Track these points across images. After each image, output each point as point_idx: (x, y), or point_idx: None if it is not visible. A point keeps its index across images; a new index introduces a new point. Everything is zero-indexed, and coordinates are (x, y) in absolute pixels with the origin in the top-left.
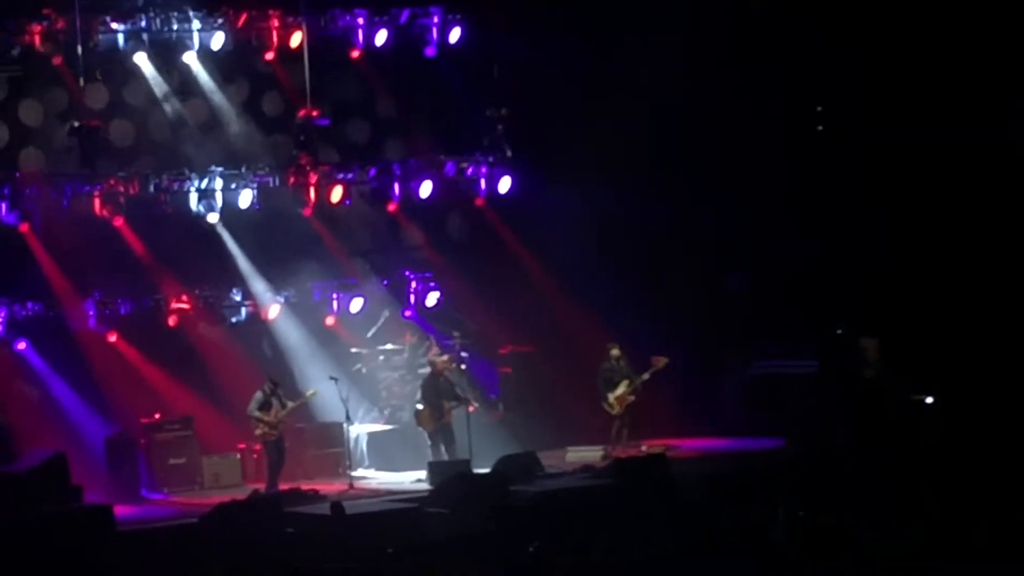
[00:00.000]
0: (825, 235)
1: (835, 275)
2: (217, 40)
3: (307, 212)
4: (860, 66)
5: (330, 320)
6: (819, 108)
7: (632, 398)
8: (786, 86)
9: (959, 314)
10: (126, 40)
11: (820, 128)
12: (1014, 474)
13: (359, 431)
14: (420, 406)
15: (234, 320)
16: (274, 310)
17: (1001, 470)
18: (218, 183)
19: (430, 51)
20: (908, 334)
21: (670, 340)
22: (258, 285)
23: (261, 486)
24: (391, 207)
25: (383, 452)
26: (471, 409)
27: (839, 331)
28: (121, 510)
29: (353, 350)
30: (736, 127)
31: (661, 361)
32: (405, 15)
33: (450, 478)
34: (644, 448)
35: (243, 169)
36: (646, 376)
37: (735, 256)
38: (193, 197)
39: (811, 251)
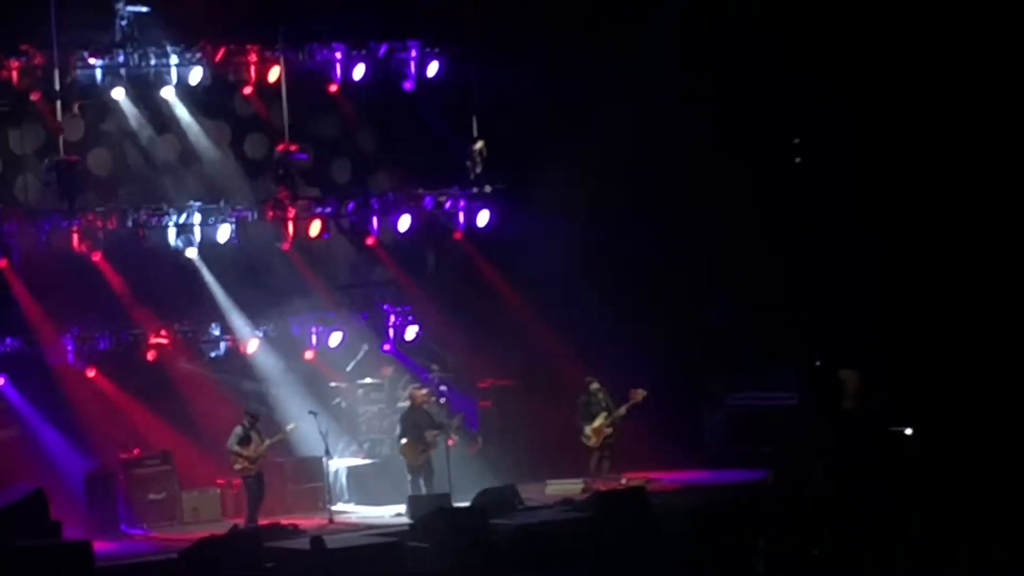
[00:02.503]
0: (805, 266)
1: (815, 306)
2: (195, 75)
3: (285, 246)
4: (842, 95)
5: (309, 354)
6: (796, 140)
7: (610, 430)
8: (765, 114)
9: (939, 345)
10: (104, 75)
11: (798, 160)
12: (995, 502)
13: (339, 465)
14: (403, 440)
15: (213, 355)
16: (253, 344)
17: (982, 498)
18: (196, 218)
19: (408, 85)
20: (888, 366)
21: (651, 371)
22: (237, 319)
23: (241, 521)
24: (369, 241)
25: (363, 486)
26: (450, 443)
27: (818, 363)
28: (100, 546)
29: (332, 384)
30: (716, 155)
31: (639, 394)
32: (383, 49)
33: (430, 512)
34: (624, 481)
35: (221, 203)
36: (623, 411)
37: (716, 286)
38: (171, 232)
39: (791, 281)
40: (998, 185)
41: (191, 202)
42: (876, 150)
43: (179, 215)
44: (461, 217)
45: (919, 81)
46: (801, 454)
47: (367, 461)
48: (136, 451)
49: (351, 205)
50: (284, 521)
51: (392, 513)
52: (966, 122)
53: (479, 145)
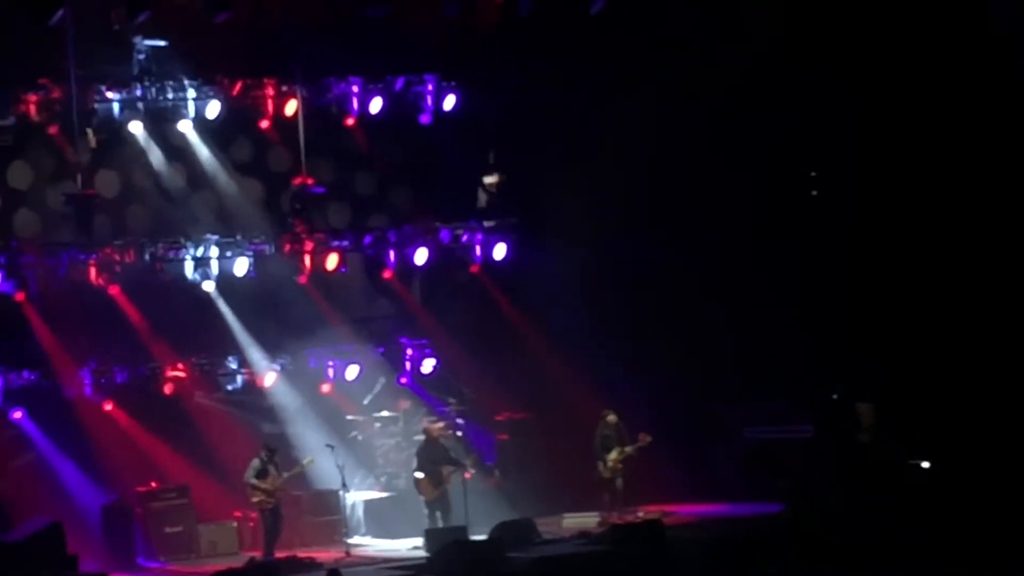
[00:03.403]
0: (822, 297)
1: (830, 339)
2: (212, 108)
3: (302, 279)
4: (844, 122)
5: (326, 387)
6: (813, 173)
7: (621, 467)
8: (780, 140)
9: (955, 378)
10: (121, 109)
11: (815, 192)
12: (1010, 534)
13: (355, 498)
14: (419, 475)
15: (230, 388)
16: (270, 378)
17: (997, 531)
18: (214, 251)
19: (425, 118)
20: (904, 399)
21: (667, 405)
22: (254, 353)
23: (258, 554)
24: (386, 274)
25: (380, 519)
26: (467, 476)
27: (835, 396)
28: None
29: (349, 417)
30: (731, 186)
31: (646, 439)
32: (400, 83)
33: (447, 545)
34: (641, 514)
35: (238, 237)
36: (630, 450)
37: (732, 318)
38: (189, 265)
39: (809, 313)
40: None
41: (208, 235)
42: (892, 174)
43: (196, 248)
44: (478, 250)
45: (928, 96)
46: (817, 487)
47: (384, 494)
48: (153, 484)
49: (368, 238)
50: (301, 554)
51: (409, 546)
52: (981, 144)
53: (492, 179)
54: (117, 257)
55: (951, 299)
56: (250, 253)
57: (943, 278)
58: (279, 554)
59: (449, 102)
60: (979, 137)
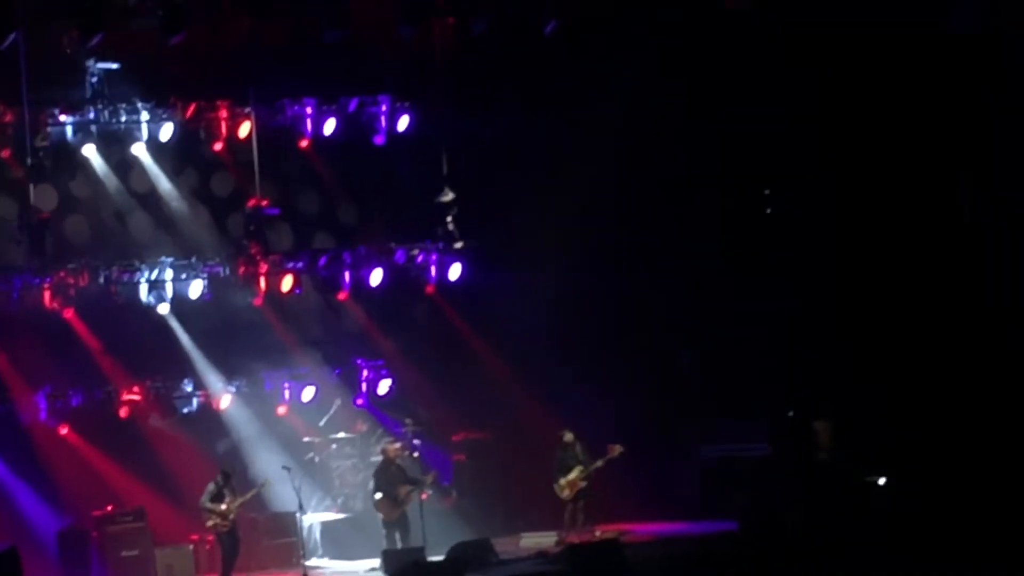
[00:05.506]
0: (777, 315)
1: (788, 356)
2: (166, 131)
3: (257, 302)
4: (814, 138)
5: (282, 409)
6: (767, 191)
7: (584, 484)
8: (732, 161)
9: (912, 396)
10: (75, 132)
11: (768, 211)
12: (967, 548)
13: (312, 520)
14: (378, 495)
15: (186, 411)
16: (226, 400)
17: (954, 546)
18: (168, 274)
19: (379, 139)
20: (860, 416)
21: (623, 423)
22: (209, 375)
23: None
24: (342, 296)
25: (337, 541)
26: (424, 496)
27: (791, 414)
28: None
29: (305, 439)
30: (685, 205)
31: (616, 449)
32: (353, 104)
33: (404, 566)
34: (598, 533)
35: (193, 259)
36: (599, 464)
37: (687, 336)
38: (143, 288)
39: (763, 332)
40: (968, 230)
41: (163, 258)
42: (847, 194)
43: (151, 271)
44: (433, 271)
45: (890, 128)
46: (774, 504)
47: (341, 516)
48: (109, 508)
49: (323, 260)
50: None
51: (366, 568)
52: (938, 170)
53: (448, 197)
54: (71, 280)
55: (908, 316)
56: (205, 275)
57: (899, 295)
58: None
59: (403, 123)
60: (932, 154)
